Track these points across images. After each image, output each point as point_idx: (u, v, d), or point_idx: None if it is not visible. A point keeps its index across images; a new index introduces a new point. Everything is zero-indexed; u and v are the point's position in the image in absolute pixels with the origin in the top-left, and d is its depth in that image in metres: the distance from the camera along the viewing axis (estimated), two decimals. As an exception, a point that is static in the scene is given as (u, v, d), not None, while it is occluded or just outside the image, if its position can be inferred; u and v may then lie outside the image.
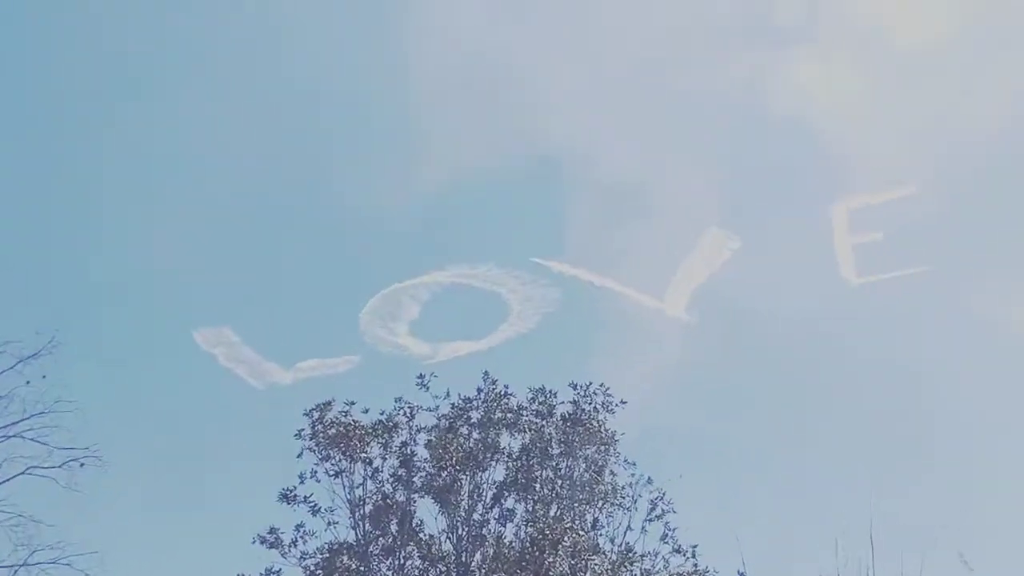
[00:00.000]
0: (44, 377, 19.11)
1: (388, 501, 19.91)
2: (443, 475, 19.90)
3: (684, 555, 20.08)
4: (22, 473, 18.90)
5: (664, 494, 20.36)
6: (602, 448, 20.77)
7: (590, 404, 20.85)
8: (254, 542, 19.45)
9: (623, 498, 20.42)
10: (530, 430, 20.53)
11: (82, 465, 19.13)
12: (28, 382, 19.04)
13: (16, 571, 18.27)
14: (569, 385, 20.97)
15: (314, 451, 20.04)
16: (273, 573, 19.35)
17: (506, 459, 20.35)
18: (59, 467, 19.13)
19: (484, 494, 20.05)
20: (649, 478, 20.49)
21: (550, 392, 20.88)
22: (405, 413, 20.39)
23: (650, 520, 20.32)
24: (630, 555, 19.97)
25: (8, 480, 18.70)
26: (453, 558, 19.61)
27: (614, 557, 19.92)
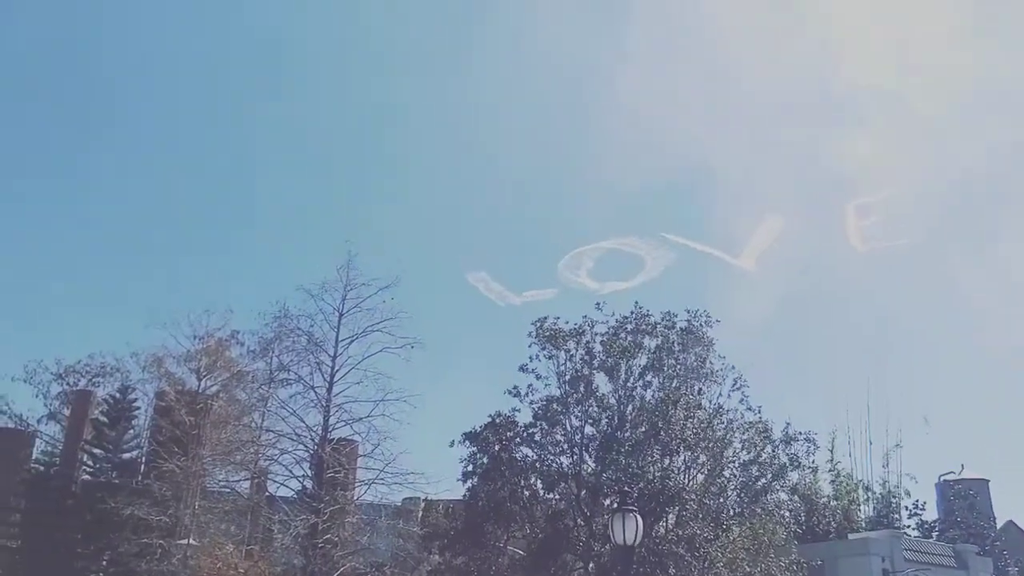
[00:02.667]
0: (392, 299, 30.65)
1: (579, 374, 30.95)
2: (610, 360, 31.03)
3: (753, 412, 31.88)
4: (380, 351, 30.53)
5: (742, 375, 32.19)
6: (704, 347, 32.07)
7: (697, 321, 32.20)
8: (506, 393, 31.35)
9: (717, 377, 32.06)
10: (661, 336, 31.71)
11: (412, 347, 30.58)
12: (384, 301, 30.62)
13: (376, 404, 30.00)
14: (685, 310, 32.39)
15: (537, 344, 31.53)
16: (515, 411, 31.19)
17: (647, 352, 31.48)
18: (400, 348, 30.37)
19: (634, 372, 31.21)
20: (733, 365, 32.29)
21: (672, 313, 32.21)
22: (588, 324, 31.66)
23: (733, 391, 32.08)
24: (720, 411, 31.71)
25: (374, 354, 30.44)
26: (615, 408, 30.85)
27: (711, 411, 31.50)
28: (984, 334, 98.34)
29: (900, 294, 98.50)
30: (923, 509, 47.04)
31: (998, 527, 55.27)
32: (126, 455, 40.27)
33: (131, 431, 40.78)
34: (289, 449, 30.41)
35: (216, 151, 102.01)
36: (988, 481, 57.29)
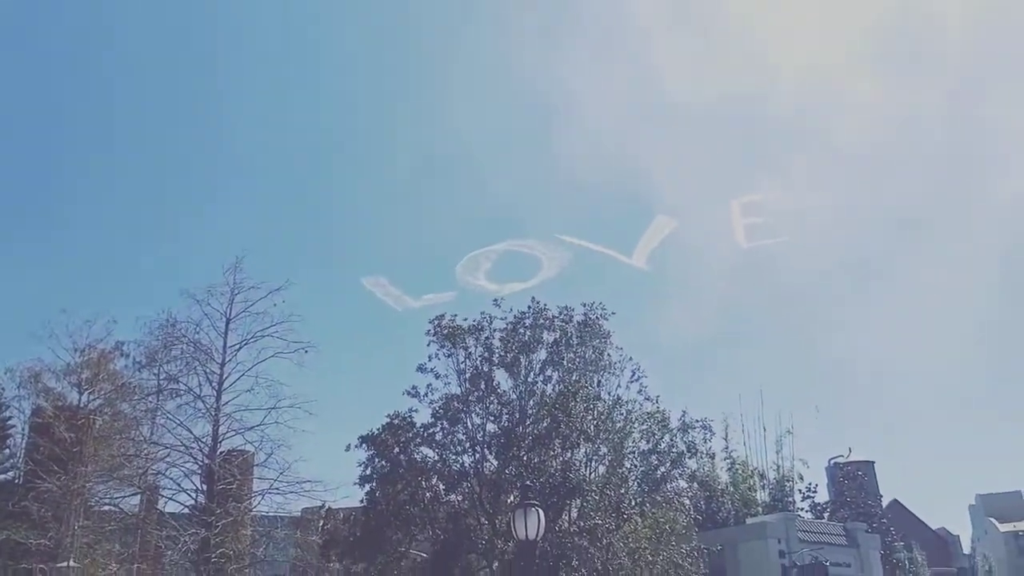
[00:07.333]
0: (283, 302, 28.67)
1: (479, 371, 30.79)
2: (510, 356, 30.97)
3: (651, 401, 32.26)
4: (272, 356, 28.64)
5: (640, 366, 32.56)
6: (602, 340, 32.22)
7: (594, 314, 32.32)
8: (404, 394, 30.95)
9: (615, 369, 32.24)
10: (559, 330, 31.78)
11: (306, 352, 28.74)
12: (274, 304, 28.66)
13: (268, 412, 28.20)
14: (581, 303, 32.58)
15: (435, 343, 31.14)
16: (413, 411, 30.82)
17: (546, 347, 31.55)
18: (292, 352, 28.53)
19: (534, 367, 31.26)
20: (631, 357, 32.61)
21: (570, 308, 32.34)
22: (487, 320, 31.47)
23: (631, 382, 32.41)
24: (619, 402, 31.97)
25: (265, 360, 28.64)
26: (517, 403, 30.78)
27: (610, 403, 31.71)
28: (861, 330, 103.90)
29: (785, 286, 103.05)
30: (815, 491, 49.04)
31: (884, 505, 58.12)
32: (0, 477, 37.66)
33: (5, 451, 38.14)
34: (178, 462, 28.80)
35: (93, 156, 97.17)
36: (874, 463, 60.34)
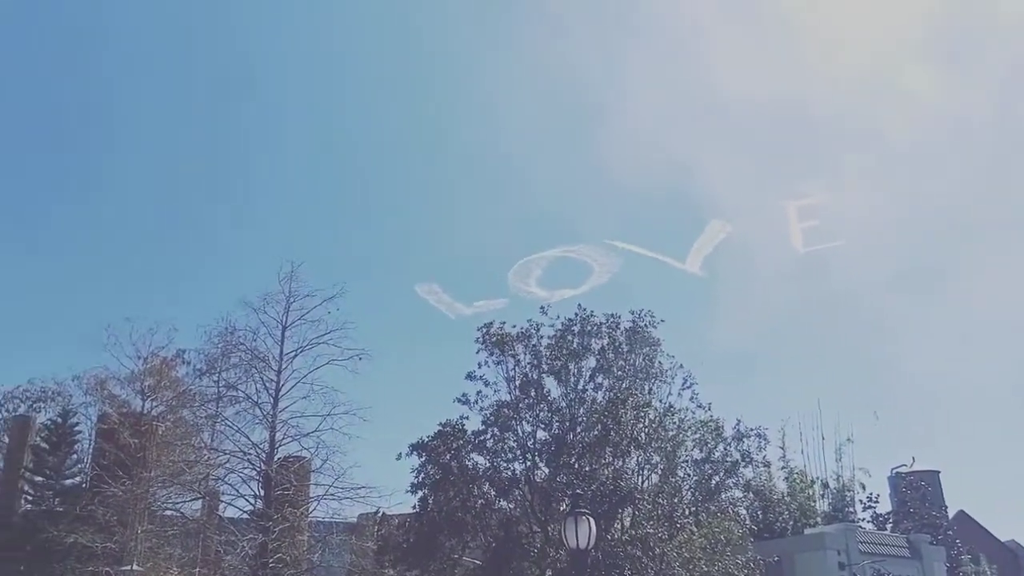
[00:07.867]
0: (338, 310, 29.85)
1: (528, 378, 30.69)
2: (559, 363, 30.80)
3: (704, 409, 31.95)
4: (326, 364, 29.76)
5: (691, 373, 32.30)
6: (652, 347, 32.04)
7: (643, 322, 32.17)
8: (455, 401, 30.95)
9: (666, 377, 32.10)
10: (607, 337, 31.62)
11: (360, 359, 29.88)
12: (329, 312, 29.85)
13: (324, 419, 29.26)
14: (630, 311, 32.34)
15: (484, 350, 31.12)
16: (464, 419, 30.68)
17: (595, 354, 31.36)
18: (346, 360, 29.67)
19: (583, 374, 31.04)
20: (682, 364, 32.38)
21: (617, 315, 32.12)
22: (535, 328, 31.42)
23: (683, 389, 32.17)
24: (670, 409, 31.70)
25: (320, 367, 29.72)
26: (566, 411, 30.57)
27: (661, 410, 31.46)
28: (921, 336, 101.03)
29: (842, 290, 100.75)
30: (877, 502, 47.94)
31: (950, 517, 56.35)
32: (68, 481, 39.09)
33: (73, 456, 39.65)
34: (237, 468, 29.56)
35: (151, 170, 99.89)
36: (939, 472, 58.47)
